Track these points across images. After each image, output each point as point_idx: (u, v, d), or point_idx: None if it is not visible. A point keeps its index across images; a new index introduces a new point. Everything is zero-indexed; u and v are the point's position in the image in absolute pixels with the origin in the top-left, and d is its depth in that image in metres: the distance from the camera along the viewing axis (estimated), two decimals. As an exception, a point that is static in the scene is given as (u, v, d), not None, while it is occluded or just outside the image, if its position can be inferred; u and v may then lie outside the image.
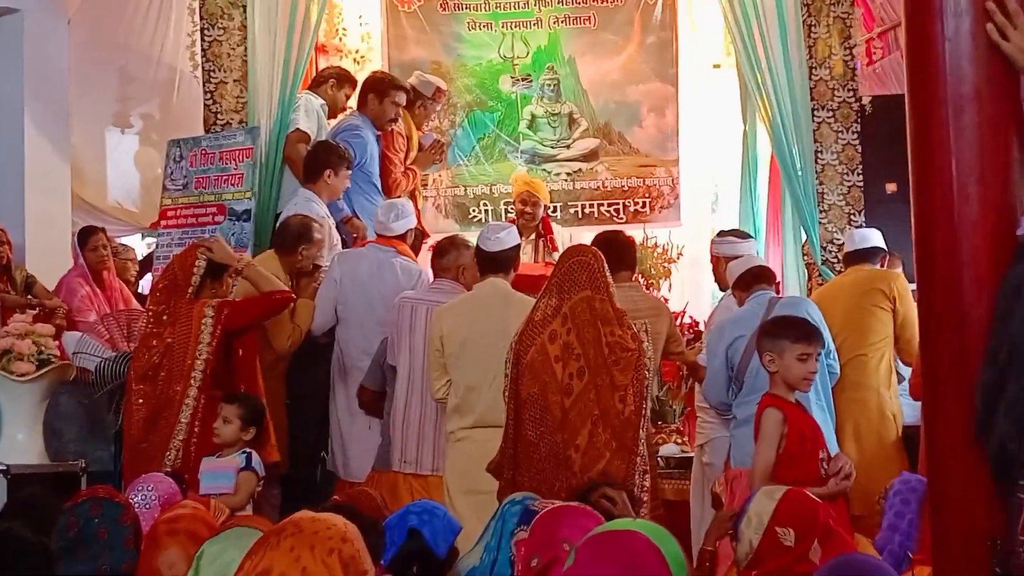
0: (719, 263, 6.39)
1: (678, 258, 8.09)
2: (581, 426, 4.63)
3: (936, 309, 2.56)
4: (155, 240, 7.64)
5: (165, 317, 5.56)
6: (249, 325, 5.65)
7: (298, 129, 7.39)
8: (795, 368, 4.44)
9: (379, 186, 7.54)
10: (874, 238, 6.54)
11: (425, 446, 5.65)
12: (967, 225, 2.49)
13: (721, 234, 6.62)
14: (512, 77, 8.87)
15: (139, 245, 8.38)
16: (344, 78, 7.81)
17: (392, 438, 5.73)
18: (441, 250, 5.94)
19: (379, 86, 7.56)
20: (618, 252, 5.73)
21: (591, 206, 8.79)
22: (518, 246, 5.68)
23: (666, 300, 7.61)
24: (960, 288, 2.51)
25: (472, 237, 6.15)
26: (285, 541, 2.17)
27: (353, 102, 7.79)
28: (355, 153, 7.28)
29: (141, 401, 5.43)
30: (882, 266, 6.51)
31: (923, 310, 2.62)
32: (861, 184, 7.53)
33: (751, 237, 6.74)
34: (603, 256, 4.94)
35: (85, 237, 7.42)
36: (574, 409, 4.65)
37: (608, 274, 4.87)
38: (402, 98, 7.62)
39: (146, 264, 7.93)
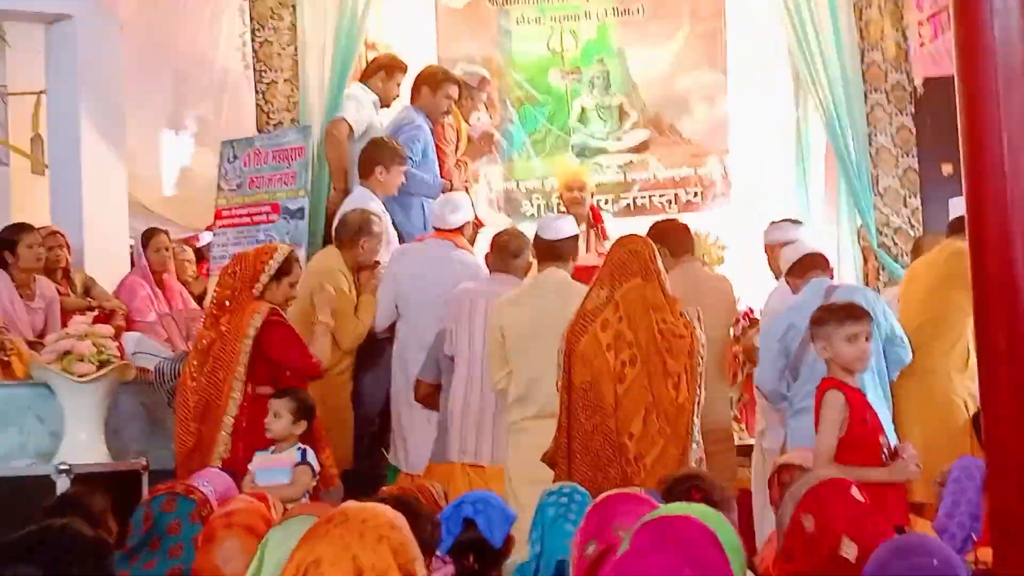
0: (773, 251, 6.34)
1: (729, 246, 8.02)
2: (635, 413, 4.64)
3: (988, 286, 2.53)
4: (211, 240, 7.69)
5: (228, 303, 5.58)
6: (272, 359, 5.48)
7: (344, 117, 7.39)
8: (845, 350, 4.43)
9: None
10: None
11: (484, 437, 5.68)
12: (1019, 201, 2.46)
13: (773, 222, 6.57)
14: (561, 71, 8.86)
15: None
16: (393, 67, 7.74)
17: (450, 428, 5.76)
18: (515, 251, 5.92)
19: (432, 79, 7.56)
20: (678, 237, 5.72)
21: (643, 197, 8.76)
22: (576, 236, 5.71)
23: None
24: (1012, 264, 2.48)
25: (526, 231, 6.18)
26: (335, 530, 2.20)
27: (405, 94, 7.79)
28: (419, 149, 7.30)
29: (194, 385, 5.46)
30: None
31: (976, 287, 2.59)
32: (916, 167, 7.45)
33: (802, 224, 6.66)
34: (654, 244, 4.94)
35: (148, 238, 7.50)
36: (627, 397, 4.66)
37: (659, 262, 4.87)
38: (455, 91, 7.62)
39: (200, 264, 8.00)
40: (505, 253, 5.95)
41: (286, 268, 5.66)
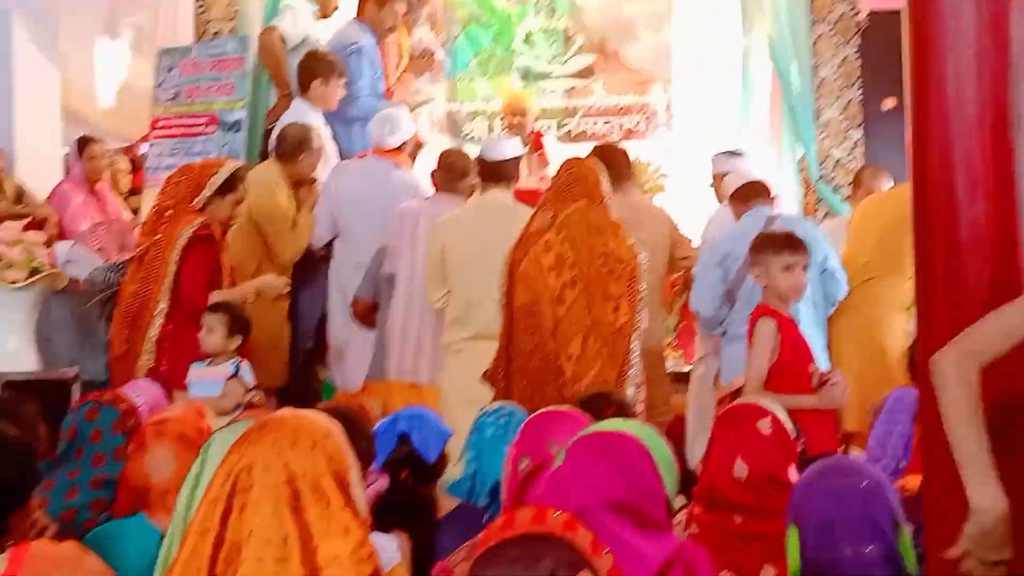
0: (718, 181, 6.35)
1: (670, 175, 8.02)
2: (573, 335, 4.64)
3: (929, 212, 2.54)
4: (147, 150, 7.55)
5: (168, 212, 5.54)
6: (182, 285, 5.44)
7: (273, 27, 7.24)
8: (781, 279, 4.48)
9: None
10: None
11: (422, 356, 5.66)
12: (963, 126, 2.47)
13: (719, 152, 6.57)
14: (508, -9, 8.77)
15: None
16: None
17: (389, 347, 5.74)
18: (462, 171, 5.86)
19: None
20: (619, 164, 5.70)
21: (586, 123, 8.73)
22: (519, 157, 5.66)
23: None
24: (953, 191, 2.49)
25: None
26: (267, 436, 2.16)
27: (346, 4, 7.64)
28: (362, 70, 7.19)
29: (129, 291, 5.45)
30: None
31: (916, 213, 2.60)
32: (859, 99, 7.47)
33: (746, 154, 6.67)
34: (599, 167, 4.92)
35: (82, 146, 7.34)
36: (566, 319, 4.66)
37: (605, 185, 4.85)
38: (402, 6, 7.50)
39: (136, 174, 7.86)
40: (452, 173, 5.89)
41: (230, 185, 5.62)
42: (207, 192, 5.53)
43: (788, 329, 4.45)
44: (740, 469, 3.10)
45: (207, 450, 2.66)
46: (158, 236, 5.45)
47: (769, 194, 5.98)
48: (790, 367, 4.38)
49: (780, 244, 4.56)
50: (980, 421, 2.23)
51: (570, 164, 5.11)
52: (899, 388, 4.58)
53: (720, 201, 6.41)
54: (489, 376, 4.84)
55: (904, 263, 5.79)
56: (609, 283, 4.67)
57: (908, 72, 2.61)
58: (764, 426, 3.21)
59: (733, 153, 6.48)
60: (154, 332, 5.35)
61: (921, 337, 2.70)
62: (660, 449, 2.61)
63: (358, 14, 7.46)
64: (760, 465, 3.09)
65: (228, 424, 2.90)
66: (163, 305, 5.38)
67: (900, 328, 5.99)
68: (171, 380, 5.10)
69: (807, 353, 4.55)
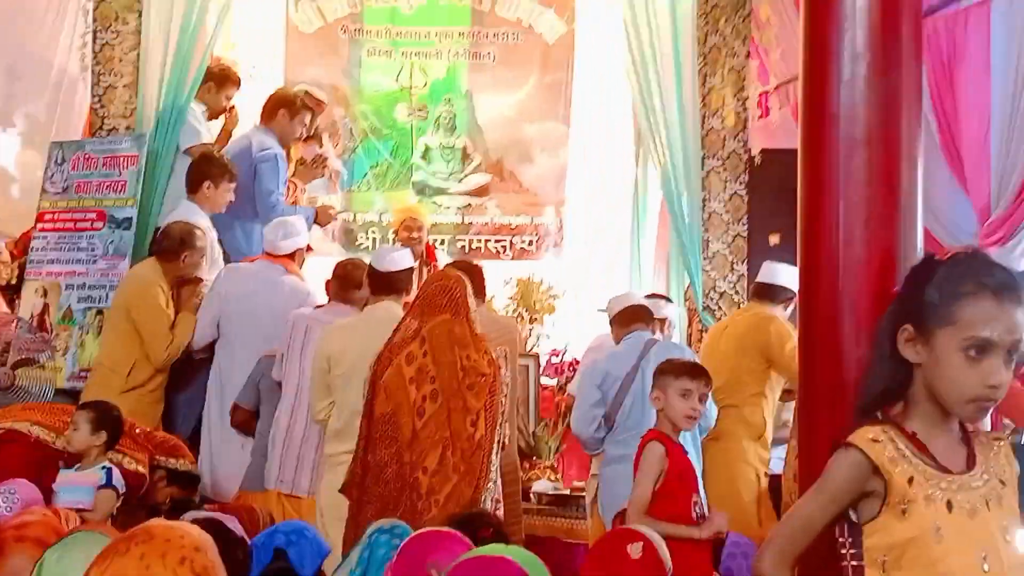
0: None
1: (561, 295, 8.09)
2: (431, 448, 4.61)
3: (816, 348, 2.59)
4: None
5: None
6: None
7: (203, 143, 7.26)
8: (677, 405, 4.50)
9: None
10: (782, 275, 6.32)
11: (304, 468, 5.57)
12: (851, 268, 2.53)
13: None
14: (408, 107, 8.86)
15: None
16: (224, 79, 7.59)
17: (270, 456, 5.63)
18: (357, 282, 5.82)
19: (292, 105, 7.46)
20: (476, 279, 5.72)
21: (479, 241, 8.79)
22: (412, 268, 5.66)
23: (548, 337, 7.66)
24: (840, 330, 2.54)
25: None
26: (135, 548, 2.09)
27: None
28: (282, 179, 7.19)
29: None
30: (785, 308, 6.41)
31: (803, 348, 2.65)
32: (746, 234, 7.64)
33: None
34: (466, 281, 4.93)
35: None
36: (425, 431, 4.63)
37: (470, 299, 4.86)
38: (308, 119, 7.53)
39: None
40: (348, 283, 5.87)
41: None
42: None
43: (677, 457, 4.46)
44: None
45: (40, 568, 2.56)
46: None
47: (651, 319, 6.07)
48: (674, 495, 4.38)
49: (680, 369, 4.60)
50: None
51: (436, 276, 5.15)
52: (732, 534, 4.60)
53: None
54: (344, 486, 4.78)
55: (744, 385, 6.00)
56: (468, 397, 4.65)
57: (799, 214, 2.68)
58: (634, 551, 3.21)
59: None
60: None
61: (802, 462, 2.72)
62: (540, 573, 2.58)
63: (264, 121, 7.45)
64: None
65: (62, 538, 2.80)
66: None
67: (754, 458, 6.09)
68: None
69: (692, 483, 4.55)
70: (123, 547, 2.11)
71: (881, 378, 2.37)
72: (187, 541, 2.12)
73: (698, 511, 4.47)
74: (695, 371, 4.62)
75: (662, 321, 6.44)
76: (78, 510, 4.55)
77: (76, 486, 4.91)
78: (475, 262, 6.38)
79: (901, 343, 2.35)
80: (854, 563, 2.34)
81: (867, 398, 2.39)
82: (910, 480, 2.31)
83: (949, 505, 2.31)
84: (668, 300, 6.85)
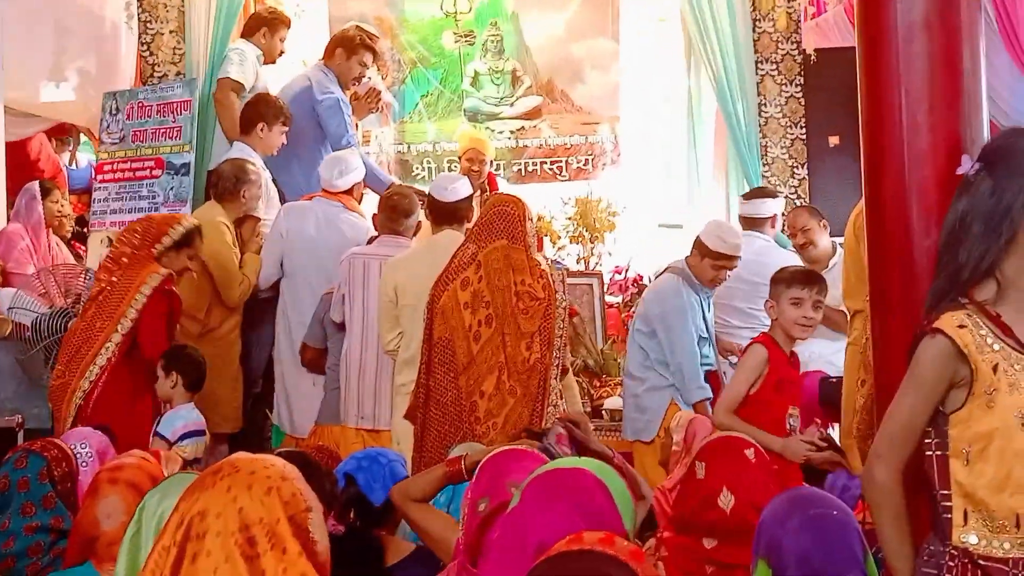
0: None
1: (620, 212, 8.03)
2: (488, 373, 4.63)
3: (885, 239, 2.55)
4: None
5: (125, 259, 5.59)
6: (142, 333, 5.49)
7: (229, 77, 7.21)
8: (788, 312, 4.44)
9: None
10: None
11: (381, 401, 5.61)
12: (916, 156, 2.48)
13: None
14: (455, 33, 8.79)
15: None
16: (276, 23, 7.55)
17: (346, 393, 5.68)
18: (406, 211, 5.83)
19: (350, 43, 7.36)
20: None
21: (534, 164, 8.75)
22: (471, 196, 5.65)
23: (610, 254, 7.63)
24: (908, 219, 2.50)
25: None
26: (221, 481, 2.09)
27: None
28: (348, 122, 7.16)
29: (79, 328, 5.48)
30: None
31: (872, 240, 2.61)
32: (804, 137, 7.54)
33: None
34: (525, 205, 4.91)
35: (47, 191, 7.19)
36: (481, 355, 4.65)
37: (529, 223, 4.84)
38: (370, 59, 7.45)
39: (81, 221, 7.76)
40: (396, 213, 5.84)
41: (188, 240, 5.72)
42: (167, 241, 5.63)
43: (778, 365, 4.41)
44: (726, 498, 3.08)
45: (142, 510, 2.60)
46: (114, 279, 5.46)
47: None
48: (768, 404, 4.35)
49: (791, 278, 4.54)
50: (906, 527, 2.41)
51: (496, 201, 5.09)
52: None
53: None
54: (409, 411, 4.82)
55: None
56: (522, 320, 4.65)
57: (860, 105, 2.62)
58: (751, 455, 3.21)
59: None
60: (95, 369, 5.30)
61: (877, 356, 2.69)
62: (616, 485, 2.58)
63: (325, 59, 7.41)
64: (746, 495, 3.07)
65: (162, 482, 2.84)
66: (112, 346, 5.36)
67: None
68: (100, 420, 5.00)
69: (794, 394, 4.51)
70: (209, 481, 2.11)
71: (975, 258, 2.30)
72: (273, 471, 2.12)
73: (792, 424, 4.43)
74: (808, 278, 4.55)
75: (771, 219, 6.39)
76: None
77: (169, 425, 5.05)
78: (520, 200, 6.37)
79: None
80: (938, 453, 2.30)
81: (952, 280, 2.32)
82: (995, 368, 2.25)
83: None
84: (771, 195, 6.70)
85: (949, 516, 2.27)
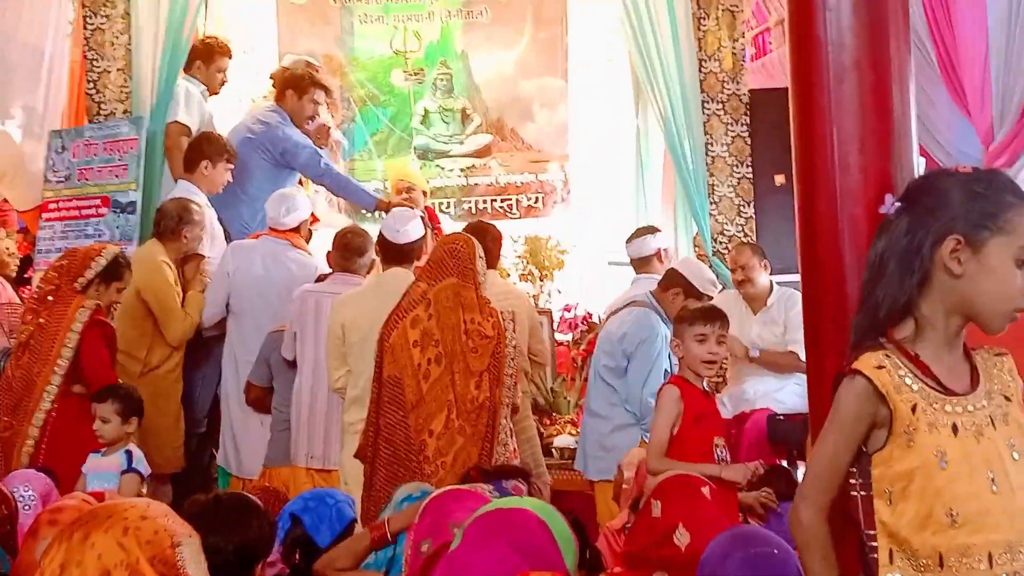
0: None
1: (570, 250, 8.07)
2: (437, 411, 4.64)
3: (818, 279, 2.57)
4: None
5: (50, 298, 5.53)
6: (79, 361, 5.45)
7: (176, 121, 7.19)
8: (693, 349, 4.47)
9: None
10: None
11: (332, 440, 5.57)
12: (848, 194, 2.51)
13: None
14: (405, 71, 8.82)
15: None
16: (210, 53, 7.49)
17: (295, 432, 5.64)
18: (358, 250, 5.83)
19: (299, 83, 7.36)
20: (487, 240, 5.69)
21: (484, 202, 8.77)
22: (423, 237, 5.66)
23: (559, 292, 7.65)
24: (841, 259, 2.52)
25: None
26: (79, 531, 2.07)
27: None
28: (313, 150, 7.19)
29: (11, 376, 5.41)
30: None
31: (806, 280, 2.63)
32: (751, 176, 7.60)
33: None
34: (475, 244, 4.92)
35: None
36: (430, 394, 4.66)
37: (479, 262, 4.85)
38: (322, 96, 7.45)
39: (26, 260, 7.68)
40: (349, 251, 5.85)
41: (115, 272, 5.66)
42: (89, 274, 5.57)
43: (692, 401, 4.44)
44: (682, 536, 3.10)
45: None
46: (41, 320, 5.38)
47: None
48: (693, 440, 4.37)
49: (692, 316, 4.58)
50: (834, 567, 2.36)
51: (446, 240, 5.14)
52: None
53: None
54: (360, 452, 4.80)
55: None
56: (471, 359, 4.66)
57: (793, 144, 2.66)
58: (707, 492, 3.24)
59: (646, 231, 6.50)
60: (41, 415, 5.25)
61: (812, 401, 2.71)
62: (558, 524, 2.59)
63: (277, 100, 7.41)
64: (703, 531, 3.08)
65: None
66: (53, 388, 5.30)
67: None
68: (55, 464, 4.96)
69: (716, 426, 4.53)
70: (67, 533, 2.10)
71: (890, 297, 2.32)
72: (131, 512, 2.09)
73: (720, 454, 4.45)
74: (708, 315, 4.59)
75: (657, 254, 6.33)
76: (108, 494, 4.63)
77: (103, 471, 4.98)
78: (491, 223, 6.38)
79: (945, 255, 2.28)
80: (863, 493, 2.31)
81: (871, 320, 2.35)
82: (913, 408, 2.27)
83: (955, 429, 2.27)
84: (651, 232, 6.53)
85: (875, 556, 2.28)
